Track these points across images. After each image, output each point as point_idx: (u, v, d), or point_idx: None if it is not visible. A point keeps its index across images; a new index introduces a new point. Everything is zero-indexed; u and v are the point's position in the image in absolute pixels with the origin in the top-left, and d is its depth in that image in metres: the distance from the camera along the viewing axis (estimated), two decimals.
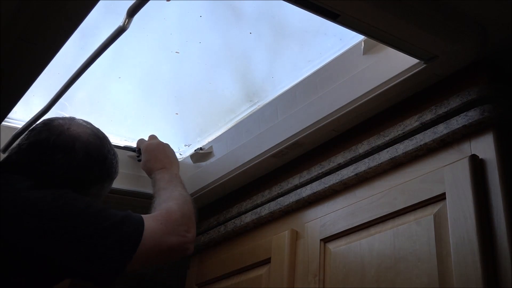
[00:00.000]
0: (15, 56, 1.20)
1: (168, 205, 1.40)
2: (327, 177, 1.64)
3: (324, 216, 1.61)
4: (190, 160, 2.06)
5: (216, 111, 1.96)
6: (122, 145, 2.01)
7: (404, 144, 1.43)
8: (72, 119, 1.49)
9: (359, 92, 1.48)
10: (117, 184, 1.96)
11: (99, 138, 1.47)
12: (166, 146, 1.73)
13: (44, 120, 1.47)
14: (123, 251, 1.22)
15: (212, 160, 2.00)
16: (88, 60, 1.36)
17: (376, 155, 1.50)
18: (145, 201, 2.05)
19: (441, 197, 1.30)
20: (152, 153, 1.68)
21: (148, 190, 2.03)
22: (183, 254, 1.37)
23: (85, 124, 1.50)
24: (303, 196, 1.69)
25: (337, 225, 1.55)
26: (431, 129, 1.38)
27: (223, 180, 1.96)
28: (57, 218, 1.18)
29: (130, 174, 2.01)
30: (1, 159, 1.70)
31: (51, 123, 1.45)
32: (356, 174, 1.54)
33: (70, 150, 1.37)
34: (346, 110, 1.53)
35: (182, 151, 2.13)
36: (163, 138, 1.89)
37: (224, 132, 1.96)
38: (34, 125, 1.47)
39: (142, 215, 1.32)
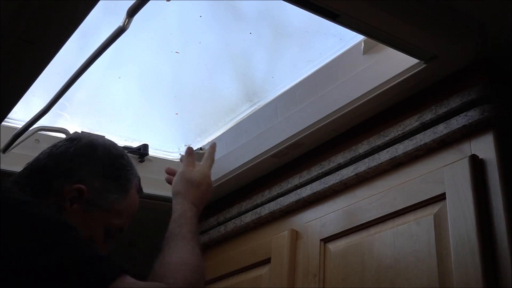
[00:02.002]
0: (15, 56, 1.20)
1: (174, 278, 1.18)
2: (327, 177, 1.64)
3: (324, 216, 1.61)
4: None
5: (216, 111, 1.96)
6: (122, 145, 2.02)
7: (404, 144, 1.43)
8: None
9: (359, 92, 1.48)
10: None
11: (117, 145, 1.36)
12: (210, 183, 1.42)
13: None
14: None
15: None
16: (88, 60, 1.36)
17: (376, 155, 1.50)
18: (145, 201, 2.06)
19: (441, 197, 1.30)
20: (193, 187, 1.37)
21: (148, 190, 2.04)
22: None
23: (108, 140, 1.39)
24: (303, 196, 1.69)
25: (337, 225, 1.55)
26: (431, 129, 1.38)
27: (223, 180, 1.96)
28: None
29: None
30: (1, 158, 1.70)
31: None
32: (356, 174, 1.54)
33: (74, 138, 1.31)
34: (346, 110, 1.53)
35: (182, 151, 2.13)
36: (163, 138, 1.90)
37: (224, 132, 1.96)
38: None
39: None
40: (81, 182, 1.21)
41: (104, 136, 1.38)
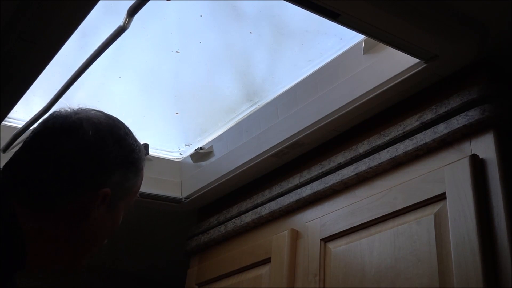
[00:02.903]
0: (15, 56, 1.20)
1: None
2: (327, 176, 1.64)
3: (324, 216, 1.61)
4: (190, 160, 2.06)
5: (216, 110, 1.96)
6: None
7: (405, 144, 1.43)
8: (82, 107, 1.27)
9: (359, 92, 1.48)
10: None
11: (112, 119, 1.26)
12: None
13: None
14: None
15: (212, 160, 2.00)
16: (89, 60, 1.36)
17: (376, 155, 1.50)
18: (144, 201, 2.06)
19: (441, 197, 1.30)
20: None
21: (148, 190, 2.04)
22: None
23: (97, 111, 1.28)
24: (303, 195, 1.69)
25: (337, 224, 1.55)
26: (432, 128, 1.38)
27: (223, 180, 1.96)
28: None
29: None
30: (1, 158, 1.70)
31: (58, 111, 1.22)
32: (356, 174, 1.54)
33: (78, 129, 1.17)
34: (346, 110, 1.53)
35: (182, 151, 2.13)
36: (163, 138, 1.89)
37: (224, 132, 1.96)
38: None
39: None
40: (104, 185, 1.14)
41: (94, 112, 1.24)
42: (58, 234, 1.11)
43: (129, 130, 1.26)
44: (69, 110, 1.21)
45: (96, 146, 1.16)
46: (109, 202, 1.15)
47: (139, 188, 1.26)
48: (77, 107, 1.22)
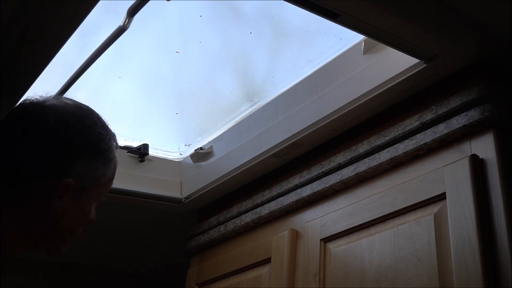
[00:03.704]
0: (15, 56, 1.20)
1: None
2: (327, 176, 1.64)
3: (324, 216, 1.61)
4: (190, 160, 2.06)
5: (216, 111, 1.96)
6: (122, 145, 2.02)
7: (404, 144, 1.43)
8: (54, 96, 1.25)
9: (359, 92, 1.48)
10: (117, 184, 1.97)
11: (81, 108, 1.21)
12: None
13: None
14: None
15: (212, 160, 2.00)
16: (89, 60, 1.36)
17: (376, 155, 1.50)
18: (145, 201, 2.06)
19: (441, 197, 1.30)
20: None
21: (148, 190, 2.04)
22: None
23: (68, 99, 1.24)
24: (303, 196, 1.69)
25: (337, 225, 1.55)
26: (431, 129, 1.38)
27: (223, 180, 1.96)
28: None
29: (130, 174, 2.01)
30: None
31: (28, 98, 1.22)
32: (356, 174, 1.54)
33: (40, 117, 1.14)
34: (346, 110, 1.53)
35: (182, 151, 2.14)
36: (163, 138, 1.90)
37: (224, 132, 1.96)
38: None
39: None
40: (67, 174, 1.10)
41: (64, 100, 1.20)
42: (26, 222, 1.09)
43: (100, 119, 1.21)
44: (39, 98, 1.19)
45: (58, 133, 1.13)
46: (75, 192, 1.12)
47: (112, 179, 1.22)
48: (48, 95, 1.20)
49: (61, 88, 1.46)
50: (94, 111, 1.22)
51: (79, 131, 1.15)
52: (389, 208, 1.41)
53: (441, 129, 1.35)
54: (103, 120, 1.23)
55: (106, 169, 1.18)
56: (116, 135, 1.26)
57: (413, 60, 1.35)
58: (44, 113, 1.15)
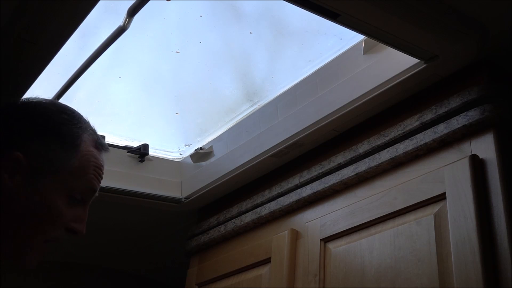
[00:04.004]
0: (15, 56, 1.20)
1: None
2: (327, 176, 1.64)
3: (324, 216, 1.61)
4: (190, 160, 2.06)
5: (216, 111, 1.96)
6: (122, 145, 2.02)
7: (404, 144, 1.43)
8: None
9: (359, 92, 1.48)
10: (117, 184, 1.97)
11: (54, 104, 1.18)
12: None
13: None
14: None
15: (212, 160, 2.00)
16: (89, 60, 1.36)
17: (376, 155, 1.50)
18: (145, 201, 2.06)
19: (441, 197, 1.30)
20: None
21: (148, 190, 2.04)
22: None
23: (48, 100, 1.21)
24: (303, 196, 1.69)
25: (337, 225, 1.55)
26: (431, 129, 1.38)
27: (223, 180, 1.96)
28: None
29: (130, 174, 2.01)
30: None
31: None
32: (356, 174, 1.54)
33: (8, 103, 1.11)
34: (346, 110, 1.53)
35: (182, 151, 2.14)
36: (163, 138, 1.89)
37: (224, 132, 1.96)
38: None
39: None
40: (17, 148, 1.03)
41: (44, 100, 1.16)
42: None
43: (73, 112, 1.16)
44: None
45: (18, 110, 1.10)
46: (29, 173, 1.04)
47: (84, 171, 1.11)
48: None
49: (61, 88, 1.46)
50: (70, 108, 1.17)
51: (40, 112, 1.10)
52: (389, 208, 1.41)
53: (441, 129, 1.35)
54: (78, 113, 1.17)
55: (67, 155, 1.09)
56: (97, 133, 1.17)
57: (413, 60, 1.35)
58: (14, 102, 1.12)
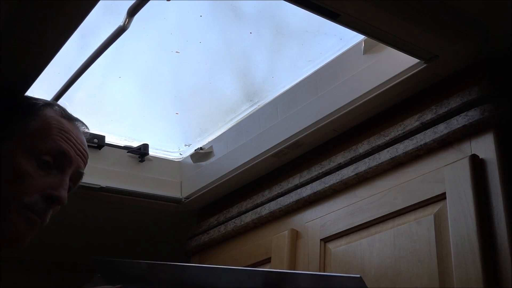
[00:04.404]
0: (15, 56, 1.20)
1: None
2: (327, 176, 1.64)
3: (324, 216, 1.61)
4: (190, 160, 2.06)
5: (216, 111, 1.96)
6: (122, 145, 2.02)
7: (404, 144, 1.43)
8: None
9: (359, 92, 1.48)
10: (117, 184, 1.97)
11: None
12: None
13: None
14: None
15: (212, 160, 2.00)
16: (89, 60, 1.36)
17: (376, 155, 1.50)
18: (145, 201, 2.06)
19: (441, 197, 1.30)
20: None
21: (148, 190, 2.04)
22: None
23: None
24: (303, 196, 1.69)
25: (337, 225, 1.55)
26: (431, 129, 1.38)
27: (223, 180, 1.96)
28: None
29: (130, 174, 2.01)
30: None
31: None
32: (356, 174, 1.54)
33: None
34: (346, 110, 1.53)
35: (182, 151, 2.13)
36: (163, 138, 1.89)
37: (224, 132, 1.96)
38: None
39: None
40: None
41: None
42: None
43: (46, 102, 1.19)
44: None
45: None
46: None
47: (44, 133, 1.11)
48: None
49: (61, 88, 1.46)
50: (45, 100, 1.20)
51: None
52: (389, 208, 1.41)
53: (441, 129, 1.35)
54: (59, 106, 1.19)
55: (26, 120, 1.11)
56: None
57: (413, 60, 1.35)
58: None
